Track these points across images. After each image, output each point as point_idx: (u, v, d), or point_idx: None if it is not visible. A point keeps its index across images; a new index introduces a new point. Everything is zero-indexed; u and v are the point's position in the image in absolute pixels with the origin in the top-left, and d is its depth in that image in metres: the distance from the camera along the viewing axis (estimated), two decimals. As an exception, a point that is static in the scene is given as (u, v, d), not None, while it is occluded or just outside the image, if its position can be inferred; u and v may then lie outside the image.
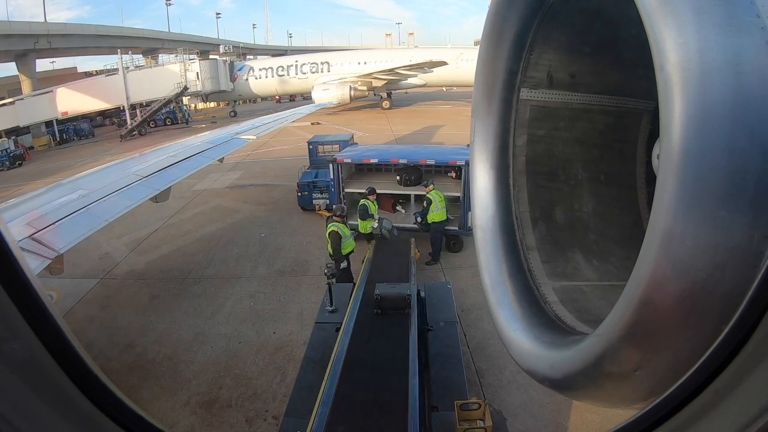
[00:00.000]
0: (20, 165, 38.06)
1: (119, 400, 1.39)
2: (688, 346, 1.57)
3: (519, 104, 3.39)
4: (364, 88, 50.21)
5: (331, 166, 15.23)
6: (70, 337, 1.27)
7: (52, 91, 48.26)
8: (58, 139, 49.00)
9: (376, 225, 12.52)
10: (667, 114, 1.64)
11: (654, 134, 2.15)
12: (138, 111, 50.17)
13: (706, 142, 1.56)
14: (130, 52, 55.10)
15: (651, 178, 2.80)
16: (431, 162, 15.17)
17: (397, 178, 15.42)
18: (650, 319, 1.75)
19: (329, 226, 11.53)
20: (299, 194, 18.07)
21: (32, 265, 6.03)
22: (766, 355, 1.14)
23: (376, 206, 13.19)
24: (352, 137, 21.40)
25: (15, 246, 1.19)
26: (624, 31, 2.77)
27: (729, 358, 1.22)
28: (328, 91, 48.25)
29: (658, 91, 1.69)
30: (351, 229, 11.85)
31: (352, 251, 11.60)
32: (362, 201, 13.15)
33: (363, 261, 11.28)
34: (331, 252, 11.35)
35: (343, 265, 11.27)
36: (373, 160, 15.99)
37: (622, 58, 3.19)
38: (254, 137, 17.16)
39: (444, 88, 57.53)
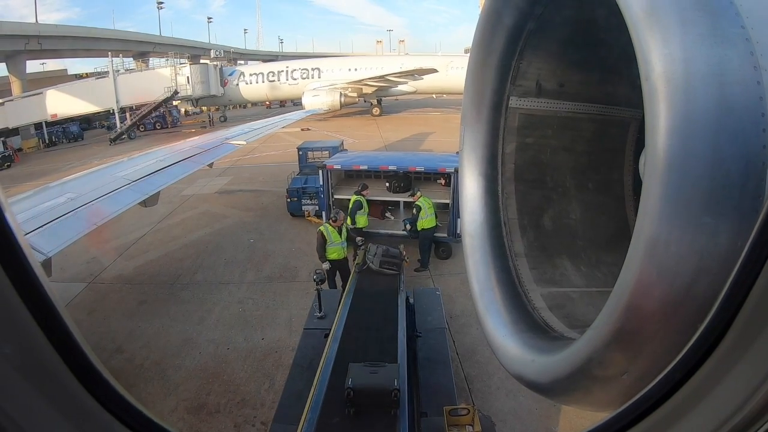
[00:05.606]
0: (9, 167, 37.65)
1: (123, 399, 1.39)
2: (674, 350, 1.60)
3: (508, 112, 3.42)
4: (355, 94, 50.10)
5: (320, 172, 15.28)
6: (75, 335, 1.27)
7: (41, 93, 47.60)
8: (47, 141, 48.33)
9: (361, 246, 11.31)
10: (652, 123, 1.67)
11: (642, 143, 2.18)
12: (128, 115, 49.75)
13: (691, 151, 1.59)
14: (120, 55, 54.77)
15: (639, 186, 2.86)
16: (420, 169, 15.20)
17: (386, 184, 15.44)
18: (636, 324, 1.77)
19: (320, 226, 11.66)
20: (288, 200, 18.03)
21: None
22: (742, 352, 1.16)
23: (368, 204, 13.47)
24: (342, 143, 21.39)
25: (24, 243, 1.18)
26: (612, 41, 2.80)
27: (704, 358, 1.25)
28: (318, 97, 48.01)
29: (643, 101, 1.72)
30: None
31: (340, 259, 11.51)
32: (356, 197, 13.43)
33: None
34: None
35: (326, 266, 11.15)
36: (362, 167, 15.96)
37: (610, 68, 3.23)
38: (244, 142, 17.13)
39: (434, 96, 57.41)
